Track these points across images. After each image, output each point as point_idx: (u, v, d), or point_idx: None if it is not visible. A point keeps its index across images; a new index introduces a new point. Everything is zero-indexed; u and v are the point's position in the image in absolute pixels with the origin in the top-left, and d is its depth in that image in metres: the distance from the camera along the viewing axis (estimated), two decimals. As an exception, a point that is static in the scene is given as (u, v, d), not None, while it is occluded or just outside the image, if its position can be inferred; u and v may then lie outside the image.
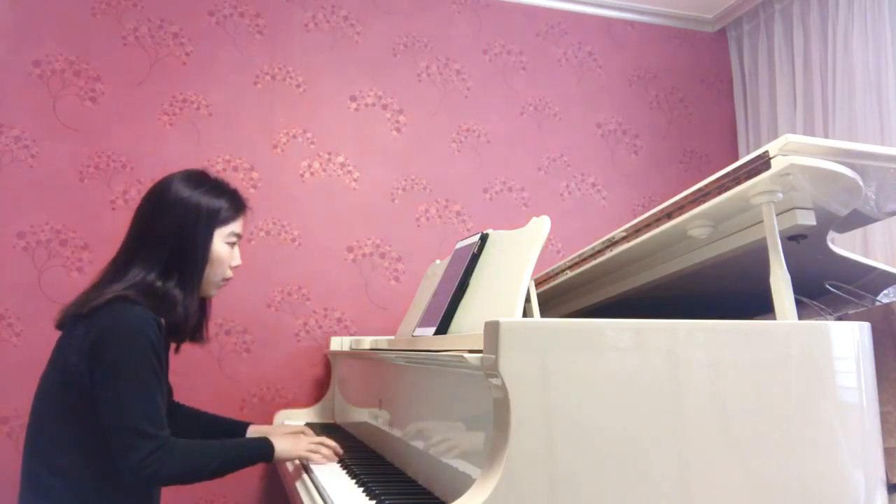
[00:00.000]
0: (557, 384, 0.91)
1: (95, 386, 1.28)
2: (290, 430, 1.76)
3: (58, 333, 1.41)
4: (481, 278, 1.45)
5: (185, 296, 1.39)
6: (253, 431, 1.75)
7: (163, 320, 1.36)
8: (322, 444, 1.55)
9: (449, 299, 1.46)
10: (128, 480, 1.29)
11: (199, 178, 1.47)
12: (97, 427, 1.29)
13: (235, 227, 1.48)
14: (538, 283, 1.77)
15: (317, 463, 1.52)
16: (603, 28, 3.03)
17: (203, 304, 1.54)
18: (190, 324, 1.43)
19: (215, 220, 1.43)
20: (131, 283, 1.34)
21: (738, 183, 1.13)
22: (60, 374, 1.33)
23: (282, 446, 1.47)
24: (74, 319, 1.34)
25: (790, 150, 1.05)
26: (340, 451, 1.57)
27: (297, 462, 1.62)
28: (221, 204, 1.45)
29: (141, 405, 1.26)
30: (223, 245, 1.46)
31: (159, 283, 1.36)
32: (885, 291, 1.62)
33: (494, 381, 0.91)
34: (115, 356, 1.26)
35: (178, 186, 1.43)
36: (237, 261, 1.51)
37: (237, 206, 1.49)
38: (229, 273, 1.50)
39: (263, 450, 1.45)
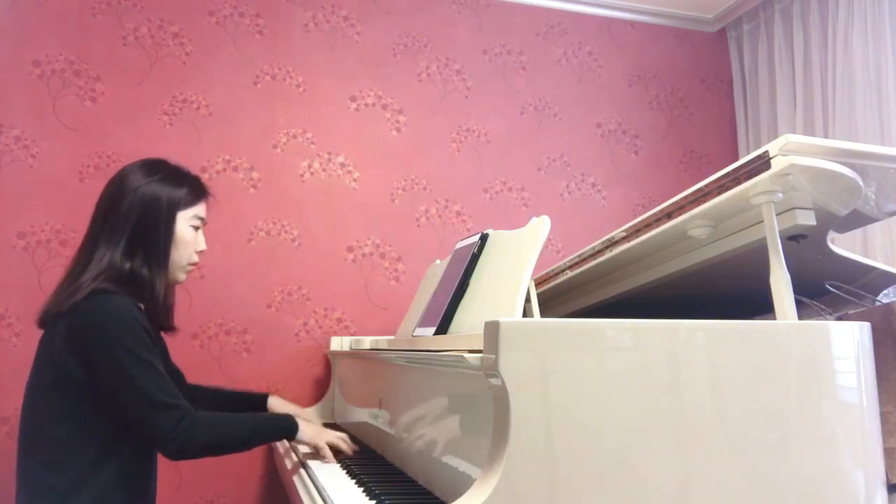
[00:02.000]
0: (557, 384, 0.91)
1: (103, 384, 1.30)
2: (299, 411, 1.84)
3: None
4: (481, 278, 1.45)
5: (154, 276, 1.41)
6: (274, 403, 1.85)
7: (141, 305, 1.39)
8: (343, 440, 1.59)
9: (449, 299, 1.46)
10: (167, 456, 1.34)
11: (158, 166, 1.49)
12: (89, 421, 1.32)
13: (198, 210, 1.50)
14: (538, 283, 1.76)
15: (328, 458, 1.55)
16: (603, 28, 3.03)
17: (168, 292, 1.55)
18: (163, 305, 1.45)
19: (177, 202, 1.45)
20: (100, 269, 1.36)
21: (738, 183, 1.13)
22: (48, 371, 1.34)
23: (305, 429, 1.54)
24: (55, 317, 1.35)
25: (790, 150, 1.05)
26: (356, 450, 1.62)
27: (295, 459, 1.63)
28: (182, 188, 1.47)
29: (152, 381, 1.30)
30: (187, 228, 1.47)
31: (126, 265, 1.38)
32: (885, 291, 1.62)
33: (494, 381, 0.91)
34: (112, 345, 1.28)
35: (137, 174, 1.45)
36: (202, 245, 1.52)
37: (198, 191, 1.51)
38: (195, 258, 1.51)
39: (289, 427, 1.52)
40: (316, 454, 1.59)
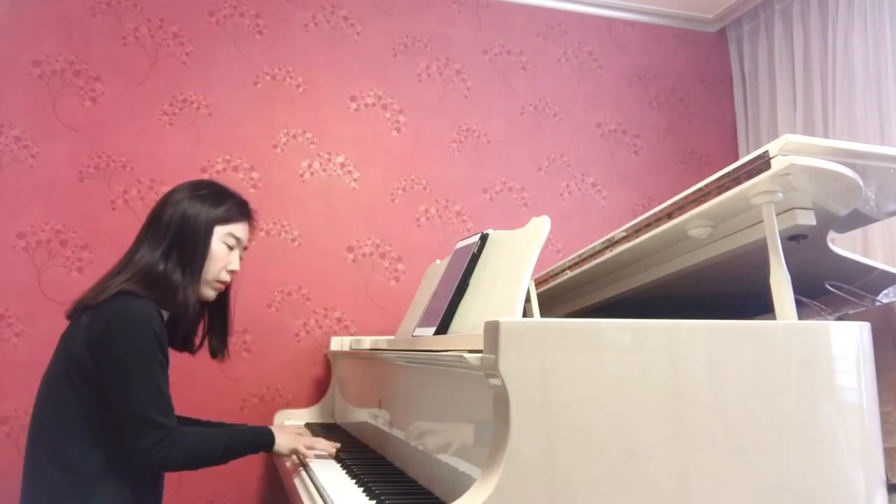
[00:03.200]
0: (557, 384, 0.91)
1: (103, 377, 1.31)
2: (289, 430, 1.80)
3: (60, 331, 1.44)
4: (481, 278, 1.45)
5: (186, 283, 1.44)
6: None
7: (164, 314, 1.41)
8: (313, 446, 1.61)
9: (449, 299, 1.46)
10: (138, 466, 1.35)
11: (204, 184, 1.56)
12: (101, 418, 1.32)
13: (235, 229, 1.53)
14: (538, 283, 1.76)
15: (310, 458, 1.58)
16: (603, 28, 3.03)
17: (221, 317, 1.61)
18: (190, 314, 1.47)
19: (214, 218, 1.50)
20: (136, 269, 1.41)
21: (738, 183, 1.13)
22: (64, 366, 1.36)
23: (281, 438, 1.56)
24: (82, 311, 1.39)
25: (790, 150, 1.05)
26: (333, 450, 1.62)
27: (295, 459, 1.63)
28: (222, 206, 1.52)
29: (149, 395, 1.31)
30: (220, 244, 1.50)
31: (161, 266, 1.42)
32: (885, 291, 1.62)
33: (494, 381, 0.91)
34: (122, 348, 1.31)
35: (183, 190, 1.52)
36: (234, 265, 1.54)
37: (241, 210, 1.55)
38: (225, 276, 1.53)
39: (265, 438, 1.54)
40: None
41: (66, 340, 1.40)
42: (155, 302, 1.38)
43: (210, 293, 1.53)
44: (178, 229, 1.45)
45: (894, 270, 1.60)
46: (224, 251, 1.51)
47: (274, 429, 1.57)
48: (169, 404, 1.35)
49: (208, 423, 1.77)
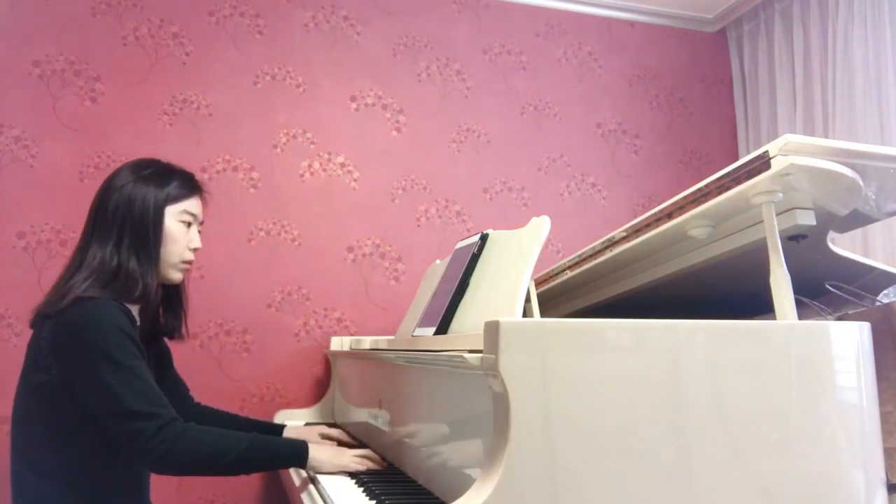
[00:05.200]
0: (557, 384, 0.91)
1: (78, 386, 1.26)
2: (324, 432, 1.74)
3: None
4: (481, 278, 1.45)
5: (145, 271, 1.37)
6: (289, 432, 1.73)
7: (130, 308, 1.36)
8: (367, 457, 1.48)
9: (449, 299, 1.46)
10: (149, 469, 1.30)
11: (146, 164, 1.47)
12: (72, 427, 1.29)
13: (188, 205, 1.46)
14: (538, 283, 1.76)
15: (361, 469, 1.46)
16: (603, 28, 3.03)
17: (177, 295, 1.53)
18: (152, 301, 1.41)
19: (164, 198, 1.42)
20: (91, 269, 1.34)
21: (738, 183, 1.13)
22: (32, 375, 1.32)
23: (319, 454, 1.41)
24: (43, 320, 1.33)
25: (790, 150, 1.05)
26: (384, 464, 1.50)
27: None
28: (170, 184, 1.44)
29: (129, 388, 1.23)
30: (176, 223, 1.44)
31: (115, 261, 1.35)
32: (885, 291, 1.62)
33: (494, 381, 0.91)
34: (88, 351, 1.25)
35: (124, 172, 1.44)
36: (196, 243, 1.48)
37: (188, 186, 1.48)
38: (188, 255, 1.47)
39: (297, 452, 1.38)
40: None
41: (32, 350, 1.35)
42: (116, 300, 1.32)
43: (177, 275, 1.46)
44: (125, 216, 1.38)
45: (894, 270, 1.60)
46: (182, 230, 1.44)
47: (313, 444, 1.41)
48: (158, 394, 1.27)
49: (235, 418, 1.72)
